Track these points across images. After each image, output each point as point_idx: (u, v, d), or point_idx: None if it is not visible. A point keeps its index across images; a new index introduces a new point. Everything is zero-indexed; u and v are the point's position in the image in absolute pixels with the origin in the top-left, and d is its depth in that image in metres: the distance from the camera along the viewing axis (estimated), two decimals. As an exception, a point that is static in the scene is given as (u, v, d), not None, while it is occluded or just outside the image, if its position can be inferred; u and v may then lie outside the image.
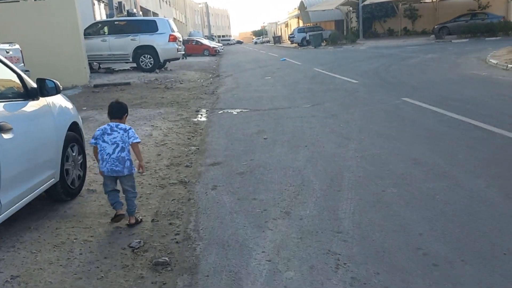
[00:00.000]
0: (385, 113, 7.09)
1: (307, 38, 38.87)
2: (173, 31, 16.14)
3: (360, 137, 5.67)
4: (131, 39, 15.60)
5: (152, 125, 7.38)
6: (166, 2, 51.82)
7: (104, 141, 3.32)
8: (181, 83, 14.27)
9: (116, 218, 3.39)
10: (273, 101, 9.42)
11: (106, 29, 15.89)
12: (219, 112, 8.61)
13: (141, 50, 15.73)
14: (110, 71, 16.14)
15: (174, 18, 56.53)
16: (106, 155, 3.31)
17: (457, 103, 7.37)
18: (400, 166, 4.37)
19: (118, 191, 3.48)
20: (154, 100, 10.61)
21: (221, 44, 47.60)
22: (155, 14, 36.53)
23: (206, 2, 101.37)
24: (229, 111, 8.68)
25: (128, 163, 3.35)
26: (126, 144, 3.34)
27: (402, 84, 10.20)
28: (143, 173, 3.73)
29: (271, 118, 7.51)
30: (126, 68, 17.46)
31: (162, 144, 6.12)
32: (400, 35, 36.88)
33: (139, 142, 3.43)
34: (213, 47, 37.48)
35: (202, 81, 15.29)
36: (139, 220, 3.47)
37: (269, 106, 8.74)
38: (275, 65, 20.53)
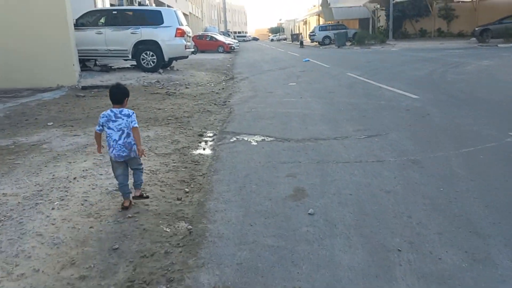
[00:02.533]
0: (508, 164, 4.34)
1: (328, 36, 36.17)
2: (181, 24, 13.51)
3: (502, 228, 2.96)
4: (131, 33, 13.01)
5: (127, 165, 4.75)
6: (182, -5, 49.40)
7: (109, 128, 3.35)
8: (187, 87, 11.66)
9: (124, 207, 3.52)
10: (307, 122, 6.75)
11: (103, 19, 13.32)
12: (231, 140, 5.96)
13: (142, 46, 13.14)
14: (106, 69, 13.59)
15: (190, 13, 54.11)
16: (113, 142, 3.36)
17: None
18: None
19: (127, 175, 3.52)
20: (148, 113, 8.00)
21: (237, 41, 44.92)
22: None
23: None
24: (246, 138, 6.03)
25: (135, 146, 3.42)
26: (131, 130, 3.38)
27: (485, 104, 7.41)
28: (144, 156, 3.76)
29: (310, 159, 4.83)
30: (126, 66, 14.92)
31: (131, 216, 3.48)
32: (433, 36, 33.68)
33: (137, 127, 3.41)
34: (228, 44, 34.82)
35: (212, 85, 12.66)
36: (145, 195, 3.66)
37: (304, 133, 6.06)
38: (298, 66, 17.81)
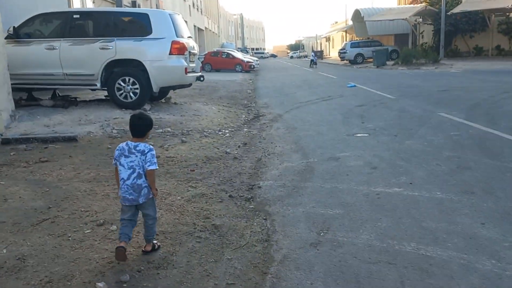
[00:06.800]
0: None
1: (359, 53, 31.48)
2: (180, 35, 8.71)
3: None
4: (101, 48, 8.27)
5: None
6: (197, 9, 45.31)
7: (121, 164, 2.89)
8: (183, 141, 6.79)
9: (118, 251, 2.75)
10: None
11: (58, 27, 8.59)
12: None
13: (118, 69, 8.38)
14: (63, 104, 8.78)
15: (206, 28, 49.80)
16: (121, 180, 2.89)
17: None
18: None
19: (134, 222, 2.96)
20: (64, 249, 3.12)
21: (257, 58, 40.31)
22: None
23: (241, 14, 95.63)
24: None
25: (145, 190, 2.90)
26: (143, 170, 2.87)
27: None
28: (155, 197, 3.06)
29: None
30: (101, 97, 10.14)
31: None
32: (491, 55, 28.46)
33: (155, 169, 2.89)
34: (247, 62, 30.14)
35: (227, 134, 7.72)
36: (156, 247, 3.05)
37: None
38: (347, 96, 12.85)
